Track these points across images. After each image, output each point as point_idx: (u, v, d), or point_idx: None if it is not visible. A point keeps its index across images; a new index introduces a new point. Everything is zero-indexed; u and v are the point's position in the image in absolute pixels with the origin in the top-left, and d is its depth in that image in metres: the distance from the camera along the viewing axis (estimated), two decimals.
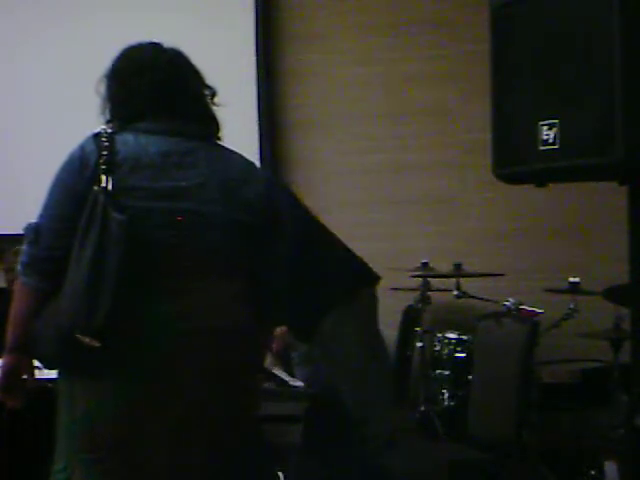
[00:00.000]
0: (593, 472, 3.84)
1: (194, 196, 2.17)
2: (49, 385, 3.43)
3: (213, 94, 2.36)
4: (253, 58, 5.32)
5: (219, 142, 2.34)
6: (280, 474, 4.11)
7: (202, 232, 2.17)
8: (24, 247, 2.22)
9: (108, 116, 2.30)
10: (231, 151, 2.32)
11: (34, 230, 2.20)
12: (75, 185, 2.15)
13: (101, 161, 2.13)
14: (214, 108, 2.35)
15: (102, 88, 2.34)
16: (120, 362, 2.13)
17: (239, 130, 5.29)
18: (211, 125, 2.33)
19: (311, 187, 5.21)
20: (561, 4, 2.10)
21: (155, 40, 2.37)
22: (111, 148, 2.15)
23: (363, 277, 3.50)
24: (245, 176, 2.26)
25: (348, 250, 3.49)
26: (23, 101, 5.42)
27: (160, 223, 2.14)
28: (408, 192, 5.25)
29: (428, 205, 5.24)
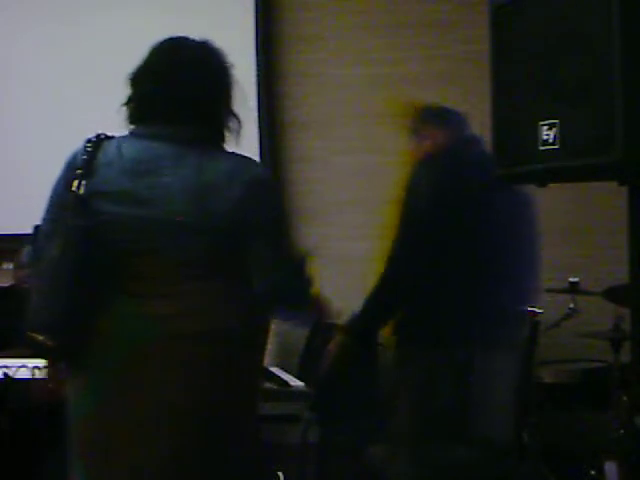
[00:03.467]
0: (593, 472, 3.84)
1: (160, 202, 2.19)
2: (49, 385, 3.44)
3: (227, 96, 2.36)
4: (253, 58, 5.32)
5: (218, 145, 2.31)
6: (280, 474, 4.12)
7: (168, 237, 2.20)
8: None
9: (126, 115, 2.32)
10: (222, 154, 2.29)
11: (34, 232, 2.29)
12: (62, 189, 2.24)
13: (79, 166, 2.22)
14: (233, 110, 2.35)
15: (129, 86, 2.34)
16: (95, 362, 2.21)
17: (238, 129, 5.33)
18: (208, 129, 2.30)
19: (311, 187, 5.21)
20: (561, 4, 2.11)
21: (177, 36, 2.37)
22: (92, 153, 2.23)
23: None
24: (221, 180, 2.21)
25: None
26: (24, 101, 5.42)
27: (126, 228, 2.19)
28: None
29: None
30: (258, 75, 5.31)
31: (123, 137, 2.28)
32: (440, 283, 2.88)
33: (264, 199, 2.26)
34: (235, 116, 2.35)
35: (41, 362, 3.43)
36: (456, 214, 2.91)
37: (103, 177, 2.21)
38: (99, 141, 2.25)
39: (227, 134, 2.34)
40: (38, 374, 3.47)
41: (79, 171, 2.21)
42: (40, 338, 2.18)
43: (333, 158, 5.27)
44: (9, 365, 3.54)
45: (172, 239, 2.19)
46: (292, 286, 2.30)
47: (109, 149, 2.24)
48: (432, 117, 3.31)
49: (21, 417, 3.58)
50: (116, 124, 2.34)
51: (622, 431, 3.75)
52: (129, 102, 2.30)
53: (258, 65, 5.32)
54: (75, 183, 2.20)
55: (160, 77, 2.27)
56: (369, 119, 5.33)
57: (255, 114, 5.25)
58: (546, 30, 2.12)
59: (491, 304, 2.93)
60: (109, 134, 2.28)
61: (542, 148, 2.11)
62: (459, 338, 2.88)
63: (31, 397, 2.42)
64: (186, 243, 2.20)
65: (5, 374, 3.50)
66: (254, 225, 2.23)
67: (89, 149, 2.23)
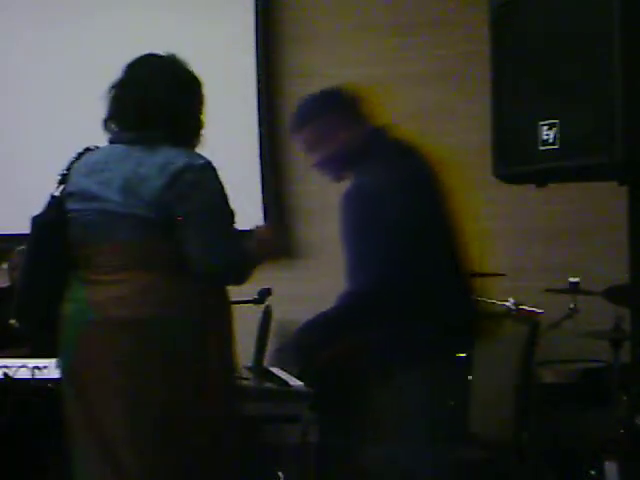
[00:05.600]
0: (593, 472, 3.83)
1: (102, 196, 2.45)
2: (49, 385, 3.45)
3: (189, 103, 2.54)
4: (253, 58, 5.32)
5: (170, 144, 2.47)
6: (280, 474, 4.11)
7: (106, 228, 2.45)
8: None
9: (108, 125, 2.60)
10: (164, 150, 2.45)
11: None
12: (51, 196, 2.57)
13: (61, 174, 2.55)
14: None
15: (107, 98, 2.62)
16: (59, 345, 2.50)
17: (239, 130, 5.32)
18: (162, 131, 2.47)
19: (311, 187, 5.21)
20: (561, 4, 2.11)
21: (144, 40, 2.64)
22: (71, 163, 2.55)
23: None
24: (153, 172, 2.41)
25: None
26: (23, 101, 5.42)
27: (79, 222, 2.49)
28: None
29: None
30: (258, 75, 5.31)
31: (103, 146, 2.57)
32: (426, 294, 2.65)
33: (191, 187, 2.41)
34: (196, 119, 2.55)
35: (42, 362, 3.46)
36: (424, 215, 2.71)
37: (72, 180, 2.52)
38: (82, 152, 2.56)
39: (192, 136, 2.54)
40: (38, 374, 3.48)
41: (58, 177, 2.55)
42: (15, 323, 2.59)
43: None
44: (9, 365, 3.54)
45: (109, 229, 2.44)
46: (228, 263, 2.47)
47: (87, 156, 2.55)
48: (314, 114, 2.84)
49: (21, 417, 3.58)
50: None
51: (622, 431, 3.75)
52: (106, 111, 2.57)
53: (258, 65, 5.31)
54: (58, 188, 2.54)
55: (129, 87, 2.52)
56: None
57: (255, 114, 5.25)
58: (546, 30, 2.13)
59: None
60: (95, 146, 2.57)
61: (542, 148, 2.12)
62: (440, 351, 2.67)
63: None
64: (121, 233, 2.43)
65: (5, 374, 3.50)
66: (183, 212, 2.40)
67: (71, 160, 2.56)
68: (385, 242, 2.58)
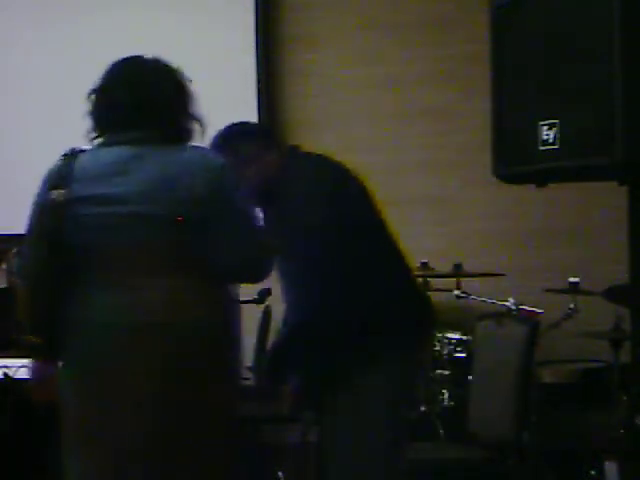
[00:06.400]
0: (593, 472, 3.84)
1: (128, 198, 2.36)
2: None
3: (185, 102, 2.51)
4: (253, 58, 5.32)
5: (180, 143, 2.45)
6: (280, 474, 4.12)
7: (135, 231, 2.36)
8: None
9: (96, 127, 2.51)
10: (181, 149, 2.43)
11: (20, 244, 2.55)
12: (42, 201, 2.44)
13: (56, 177, 2.43)
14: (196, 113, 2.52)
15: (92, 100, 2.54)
16: (74, 353, 2.39)
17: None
18: (170, 130, 2.45)
19: None
20: (561, 4, 2.11)
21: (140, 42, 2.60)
22: (69, 165, 2.43)
23: (425, 322, 2.90)
24: (181, 171, 2.37)
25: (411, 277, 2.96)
26: (23, 101, 5.42)
27: (100, 226, 2.37)
28: (408, 192, 5.24)
29: (428, 205, 5.24)
30: (258, 75, 5.31)
31: (96, 148, 2.47)
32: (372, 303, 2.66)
33: (221, 185, 2.39)
34: (196, 119, 2.51)
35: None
36: (358, 220, 2.75)
37: (79, 184, 2.39)
38: (74, 154, 2.45)
39: (189, 135, 2.50)
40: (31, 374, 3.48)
41: (57, 181, 2.41)
42: (32, 339, 2.40)
43: (333, 158, 5.26)
44: (9, 365, 3.54)
45: (137, 232, 2.36)
46: (252, 258, 2.45)
47: (84, 159, 2.43)
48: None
49: (21, 417, 3.58)
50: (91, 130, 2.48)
51: (622, 431, 3.75)
52: (94, 113, 2.49)
53: (258, 65, 5.31)
54: (54, 193, 2.40)
55: (124, 87, 2.46)
56: (370, 119, 5.33)
57: (255, 114, 5.25)
58: (546, 30, 2.13)
59: None
60: (82, 147, 2.48)
61: (542, 148, 2.12)
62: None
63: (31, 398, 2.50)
64: (150, 235, 2.36)
65: (5, 374, 3.50)
66: (215, 210, 2.36)
67: (66, 161, 2.44)
68: (321, 259, 2.60)
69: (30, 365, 2.48)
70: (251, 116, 5.24)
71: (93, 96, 2.51)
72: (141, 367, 2.30)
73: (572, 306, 4.14)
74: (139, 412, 2.30)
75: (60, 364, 2.44)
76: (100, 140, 2.48)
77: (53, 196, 2.39)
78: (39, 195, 2.45)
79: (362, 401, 2.63)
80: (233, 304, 2.53)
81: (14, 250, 4.51)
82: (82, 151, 2.46)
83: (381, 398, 2.65)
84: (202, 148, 2.49)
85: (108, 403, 2.32)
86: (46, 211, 2.40)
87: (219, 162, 2.44)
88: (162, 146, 2.41)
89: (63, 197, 2.38)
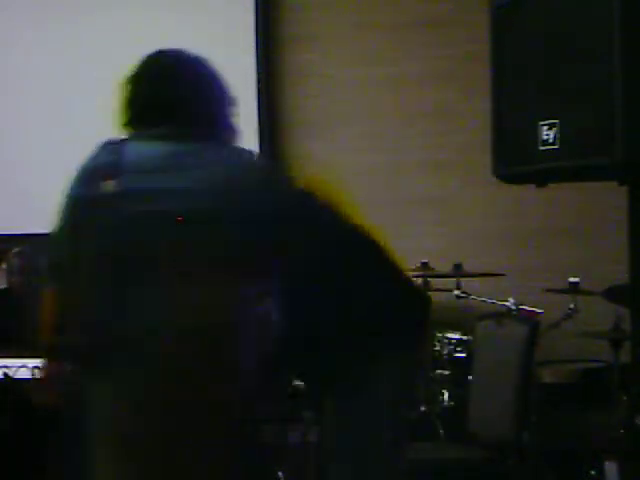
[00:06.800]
0: (593, 472, 3.84)
1: (195, 196, 2.20)
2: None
3: (228, 99, 2.43)
4: (253, 58, 5.32)
5: (226, 143, 2.36)
6: (280, 474, 4.11)
7: (207, 232, 2.20)
8: None
9: (122, 121, 2.33)
10: (237, 150, 2.35)
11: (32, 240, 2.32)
12: (83, 192, 2.21)
13: (103, 169, 2.20)
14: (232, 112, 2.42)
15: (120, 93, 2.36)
16: (121, 362, 2.19)
17: (239, 130, 5.32)
18: (216, 127, 2.36)
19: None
20: (561, 4, 2.11)
21: (158, 41, 2.44)
22: (116, 156, 2.22)
23: (425, 322, 2.85)
24: (244, 174, 2.28)
25: (404, 277, 2.84)
26: (23, 101, 5.42)
27: (163, 224, 2.18)
28: (408, 192, 5.25)
29: (428, 205, 5.24)
30: (258, 75, 5.31)
31: (139, 139, 2.29)
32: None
33: (275, 187, 2.31)
34: (233, 116, 2.42)
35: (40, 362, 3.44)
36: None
37: (131, 177, 2.19)
38: (118, 144, 2.26)
39: (232, 135, 2.40)
40: (38, 374, 3.47)
41: (106, 172, 2.19)
42: (50, 339, 2.22)
43: (333, 158, 5.26)
44: (9, 365, 3.54)
45: (202, 232, 2.20)
46: None
47: (133, 150, 2.25)
48: None
49: (21, 417, 3.58)
50: (115, 124, 2.36)
51: (622, 431, 3.75)
52: (129, 105, 2.33)
53: (258, 65, 5.32)
54: (102, 185, 2.18)
55: (162, 80, 2.33)
56: (370, 119, 5.33)
57: (255, 114, 5.25)
58: (546, 30, 2.12)
59: None
60: (119, 138, 2.29)
61: (542, 148, 2.11)
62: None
63: (32, 399, 2.41)
64: (214, 236, 2.20)
65: (5, 374, 3.50)
66: (273, 212, 2.26)
67: (110, 152, 2.24)
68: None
69: (39, 366, 2.38)
70: (251, 116, 5.24)
71: (129, 87, 2.33)
72: (206, 370, 2.19)
73: (572, 306, 4.14)
74: (211, 419, 2.21)
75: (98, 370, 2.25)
76: (136, 133, 2.31)
77: (106, 188, 2.17)
78: (77, 186, 2.23)
79: (362, 401, 2.63)
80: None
81: (14, 250, 4.52)
82: (122, 141, 2.28)
83: (381, 398, 2.65)
84: (247, 149, 2.37)
85: (163, 411, 2.18)
86: (97, 204, 2.17)
87: (269, 166, 2.42)
88: (210, 145, 2.31)
89: (117, 189, 2.17)
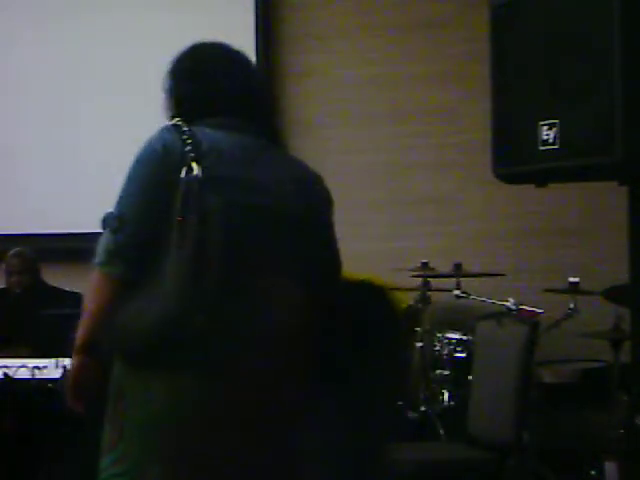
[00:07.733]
0: (593, 472, 3.84)
1: (274, 192, 2.12)
2: (49, 385, 3.45)
3: (272, 99, 2.41)
4: (253, 58, 5.31)
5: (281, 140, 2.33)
6: None
7: (284, 229, 2.12)
8: (105, 237, 2.05)
9: (174, 112, 2.20)
10: (289, 153, 2.33)
11: (117, 218, 2.05)
12: (159, 173, 2.04)
13: (188, 150, 2.04)
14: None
15: (168, 84, 2.24)
16: (203, 358, 2.01)
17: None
18: (276, 127, 2.34)
19: None
20: (561, 4, 2.11)
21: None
22: (194, 138, 2.07)
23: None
24: (312, 176, 2.29)
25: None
26: (23, 101, 5.42)
27: (243, 217, 2.06)
28: (408, 192, 5.25)
29: (428, 205, 5.24)
30: None
31: (207, 126, 2.14)
32: None
33: (325, 195, 2.31)
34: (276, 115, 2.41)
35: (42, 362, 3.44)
36: None
37: (214, 163, 2.05)
38: (190, 128, 2.10)
39: (283, 138, 2.34)
40: (38, 374, 3.48)
41: (192, 155, 2.03)
42: (199, 319, 1.97)
43: (333, 158, 5.26)
44: (9, 365, 3.54)
45: (281, 230, 2.11)
46: None
47: (208, 136, 2.10)
48: None
49: (21, 417, 3.58)
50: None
51: (622, 431, 3.75)
52: (193, 95, 2.21)
53: (258, 65, 5.31)
54: (194, 167, 2.02)
55: (227, 72, 2.22)
56: (370, 119, 5.33)
57: None
58: (546, 30, 2.13)
59: None
60: (183, 124, 2.13)
61: (542, 148, 2.11)
62: None
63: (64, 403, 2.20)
64: (291, 235, 2.12)
65: (5, 374, 3.50)
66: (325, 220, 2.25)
67: (188, 134, 2.08)
68: None
69: (70, 365, 2.09)
70: None
71: (190, 77, 2.21)
72: (271, 377, 2.08)
73: (572, 306, 4.14)
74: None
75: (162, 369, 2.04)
76: (206, 121, 2.15)
77: (194, 172, 2.01)
78: (148, 164, 2.07)
79: (361, 401, 2.63)
80: None
81: (15, 250, 4.52)
82: (189, 126, 2.11)
83: (381, 398, 2.65)
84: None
85: (246, 421, 2.06)
86: (184, 190, 2.00)
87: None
88: (274, 144, 2.25)
89: (204, 174, 2.01)
